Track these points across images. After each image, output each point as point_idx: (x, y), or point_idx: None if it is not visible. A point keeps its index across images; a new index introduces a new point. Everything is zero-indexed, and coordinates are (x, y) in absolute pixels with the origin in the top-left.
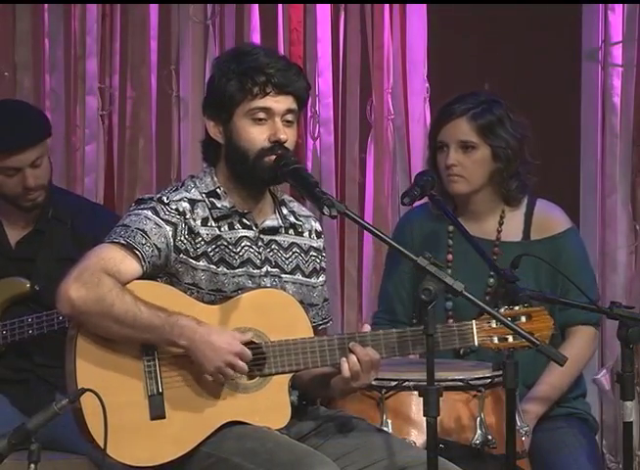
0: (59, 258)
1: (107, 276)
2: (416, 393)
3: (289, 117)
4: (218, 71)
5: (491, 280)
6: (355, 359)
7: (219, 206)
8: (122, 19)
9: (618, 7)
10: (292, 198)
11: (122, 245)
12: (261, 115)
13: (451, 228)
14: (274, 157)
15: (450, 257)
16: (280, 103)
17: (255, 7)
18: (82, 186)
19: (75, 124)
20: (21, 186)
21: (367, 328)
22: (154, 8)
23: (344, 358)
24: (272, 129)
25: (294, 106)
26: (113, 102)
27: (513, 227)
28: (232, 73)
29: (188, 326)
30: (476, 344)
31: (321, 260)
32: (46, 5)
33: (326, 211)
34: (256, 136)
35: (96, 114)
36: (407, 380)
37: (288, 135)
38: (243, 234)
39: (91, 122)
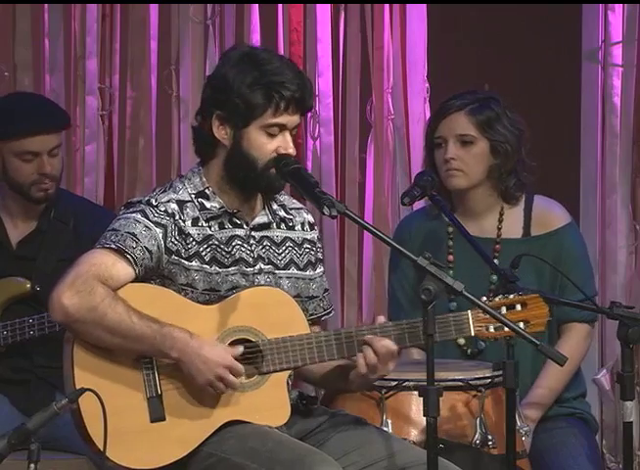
0: (60, 258)
1: (100, 284)
2: (416, 393)
3: (294, 131)
4: (238, 76)
5: (494, 278)
6: (372, 353)
7: (208, 207)
8: (122, 19)
9: (618, 7)
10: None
11: (113, 250)
12: (276, 130)
13: (451, 229)
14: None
15: (451, 257)
16: (293, 119)
17: (255, 7)
18: (82, 186)
19: (75, 124)
20: (36, 173)
21: (382, 320)
22: (154, 8)
23: (360, 353)
24: (282, 143)
25: (299, 121)
26: (113, 102)
27: (513, 224)
28: (256, 83)
29: (180, 338)
30: (472, 333)
31: (316, 252)
32: (46, 5)
33: (326, 211)
34: (268, 147)
35: (96, 114)
36: (407, 380)
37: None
38: (234, 233)
39: (91, 122)
